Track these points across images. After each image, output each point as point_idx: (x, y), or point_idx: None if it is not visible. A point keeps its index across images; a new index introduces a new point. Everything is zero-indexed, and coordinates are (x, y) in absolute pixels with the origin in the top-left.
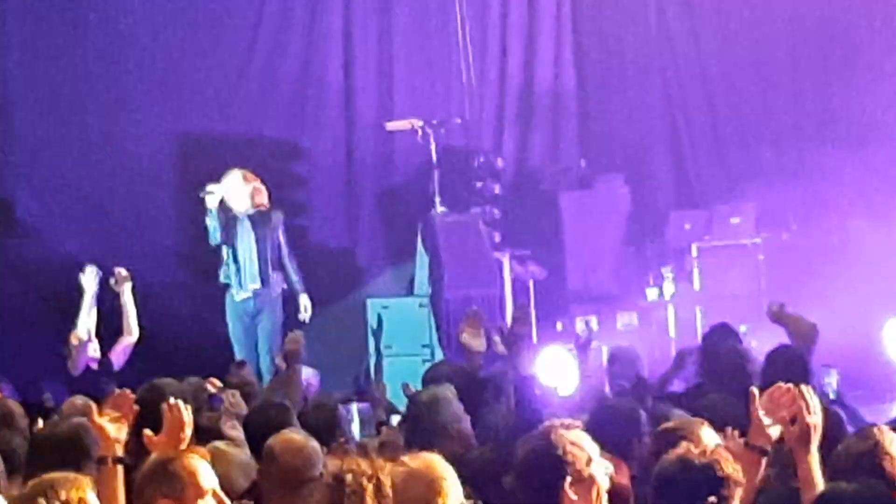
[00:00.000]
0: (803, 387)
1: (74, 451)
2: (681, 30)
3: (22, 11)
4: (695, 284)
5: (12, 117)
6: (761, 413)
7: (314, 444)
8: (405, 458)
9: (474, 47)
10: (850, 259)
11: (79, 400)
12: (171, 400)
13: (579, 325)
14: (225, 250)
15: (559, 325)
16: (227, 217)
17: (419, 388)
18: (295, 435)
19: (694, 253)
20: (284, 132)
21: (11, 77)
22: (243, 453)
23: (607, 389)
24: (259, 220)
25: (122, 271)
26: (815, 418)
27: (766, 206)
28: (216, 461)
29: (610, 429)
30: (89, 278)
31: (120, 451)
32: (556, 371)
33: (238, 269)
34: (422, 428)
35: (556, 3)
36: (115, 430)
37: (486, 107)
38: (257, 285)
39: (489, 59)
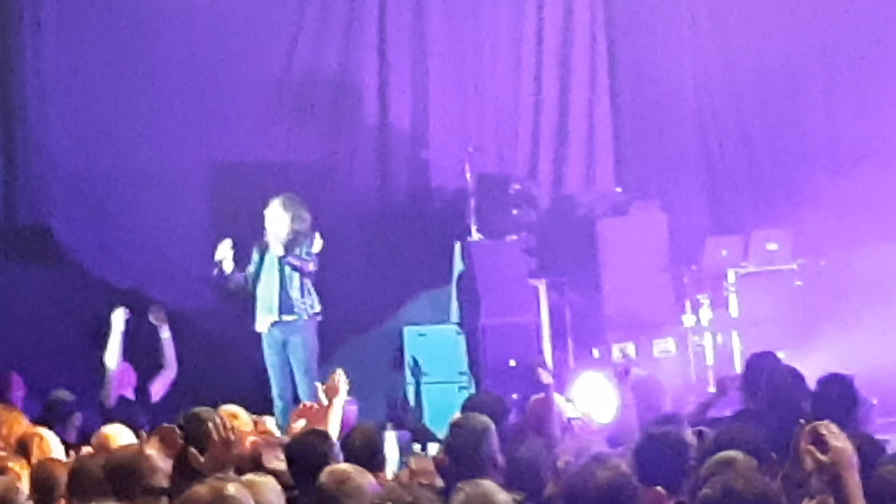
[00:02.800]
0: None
1: (124, 481)
2: (715, 56)
3: (56, 40)
4: (732, 311)
5: (48, 145)
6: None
7: (367, 476)
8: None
9: (509, 74)
10: (887, 284)
11: (111, 429)
12: (217, 420)
13: (616, 352)
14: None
15: (596, 353)
16: (262, 251)
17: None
18: (347, 467)
19: (731, 279)
20: (319, 159)
21: (47, 105)
22: (275, 485)
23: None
24: (289, 247)
25: (160, 312)
26: (842, 443)
27: (803, 232)
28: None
29: (657, 459)
30: (118, 319)
31: (166, 482)
32: (592, 398)
33: (258, 302)
34: (466, 457)
35: (590, 31)
36: (163, 461)
37: (521, 134)
38: (275, 317)
39: (524, 86)
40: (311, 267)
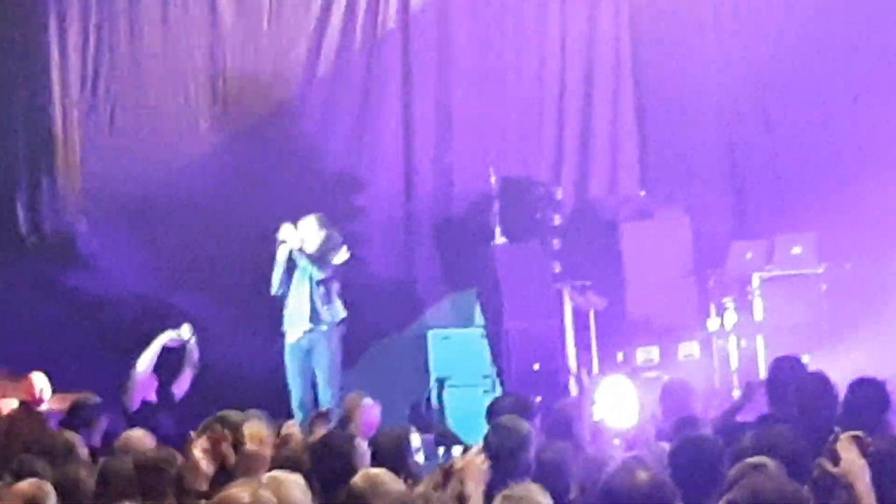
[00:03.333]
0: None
1: (156, 483)
2: (739, 59)
3: (81, 48)
4: (756, 315)
5: (75, 151)
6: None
7: (398, 481)
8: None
9: (533, 78)
10: None
11: (136, 433)
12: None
13: (640, 356)
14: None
15: (620, 356)
16: (290, 263)
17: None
18: (379, 472)
19: (755, 283)
20: (344, 165)
21: (72, 113)
22: (300, 480)
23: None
24: (317, 259)
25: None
26: (852, 455)
27: (828, 236)
28: (274, 490)
29: (694, 463)
30: (171, 334)
31: (206, 486)
32: (615, 402)
33: (288, 312)
34: (507, 460)
35: (614, 35)
36: (207, 465)
37: (545, 137)
38: (306, 326)
39: (548, 89)
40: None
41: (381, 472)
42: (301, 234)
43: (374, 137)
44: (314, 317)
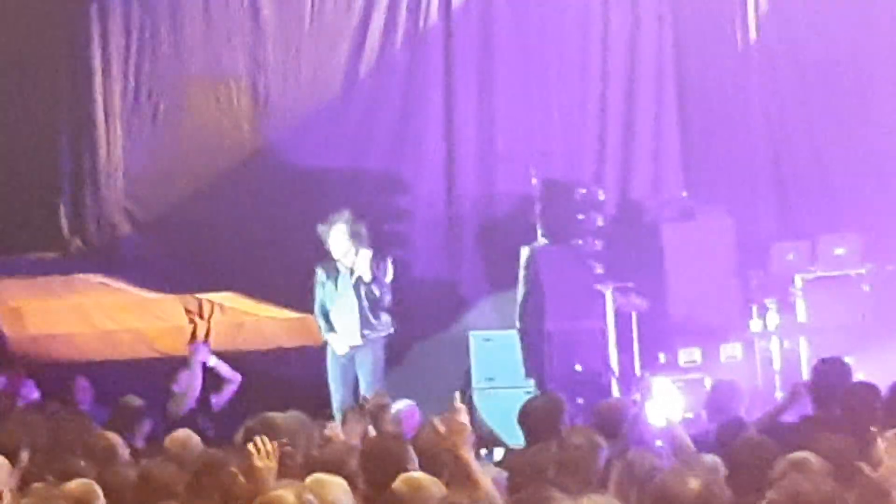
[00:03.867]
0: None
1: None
2: (782, 59)
3: (124, 55)
4: (799, 316)
5: (118, 151)
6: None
7: (440, 485)
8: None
9: (575, 78)
10: None
11: (182, 434)
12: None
13: (682, 357)
14: (321, 308)
15: (662, 357)
16: (329, 272)
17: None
18: (421, 476)
19: (798, 284)
20: (386, 165)
21: (116, 117)
22: (343, 482)
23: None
24: (355, 270)
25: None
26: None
27: (871, 237)
28: (316, 492)
29: (748, 464)
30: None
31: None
32: (660, 403)
33: (336, 328)
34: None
35: (657, 34)
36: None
37: (587, 138)
38: (357, 340)
39: (590, 90)
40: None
41: (422, 476)
42: (334, 249)
43: (416, 139)
44: (363, 331)
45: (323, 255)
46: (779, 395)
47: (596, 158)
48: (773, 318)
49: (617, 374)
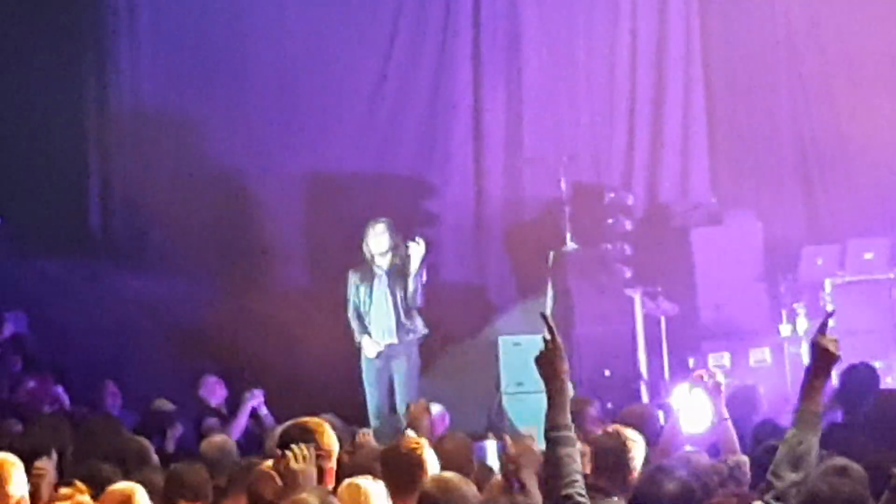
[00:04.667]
0: None
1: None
2: (810, 61)
3: (153, 55)
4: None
5: (146, 156)
6: None
7: (470, 485)
8: None
9: (603, 83)
10: None
11: (218, 439)
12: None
13: (711, 362)
14: (355, 311)
15: (691, 362)
16: (364, 275)
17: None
18: (451, 475)
19: (827, 288)
20: (414, 169)
21: (144, 115)
22: (380, 487)
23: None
24: (395, 272)
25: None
26: None
27: None
28: (353, 496)
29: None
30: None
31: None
32: (689, 408)
33: (371, 330)
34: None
35: (685, 40)
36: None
37: (615, 143)
38: (393, 340)
39: (618, 94)
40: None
41: (452, 476)
42: (374, 250)
43: (444, 142)
44: (400, 333)
45: (355, 258)
46: None
47: (624, 162)
48: (802, 323)
49: (646, 378)
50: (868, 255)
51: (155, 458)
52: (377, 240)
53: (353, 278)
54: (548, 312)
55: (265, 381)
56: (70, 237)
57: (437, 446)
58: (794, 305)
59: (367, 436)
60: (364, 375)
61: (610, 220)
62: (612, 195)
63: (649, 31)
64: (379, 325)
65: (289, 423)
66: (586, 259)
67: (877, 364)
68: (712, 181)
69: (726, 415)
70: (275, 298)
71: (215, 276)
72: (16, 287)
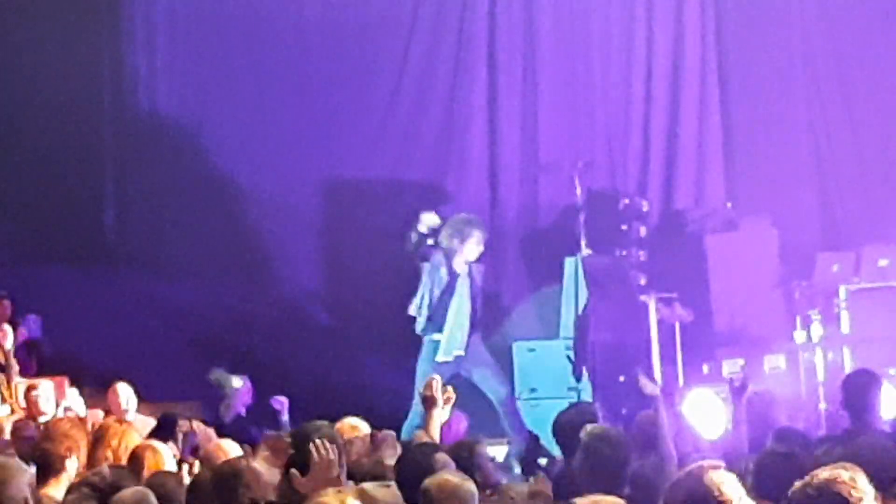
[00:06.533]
0: None
1: (229, 493)
2: (827, 69)
3: (170, 60)
4: (843, 327)
5: (161, 161)
6: None
7: (470, 485)
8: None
9: (619, 89)
10: None
11: (223, 443)
12: (318, 441)
13: (726, 369)
14: (429, 307)
15: (705, 368)
16: (450, 272)
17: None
18: (451, 476)
19: (842, 295)
20: (430, 176)
21: (160, 120)
22: (392, 494)
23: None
24: (472, 277)
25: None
26: None
27: None
28: (364, 502)
29: (775, 476)
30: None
31: (272, 495)
32: (702, 414)
33: (446, 333)
34: (599, 469)
35: (700, 45)
36: (269, 473)
37: (630, 149)
38: (461, 352)
39: (633, 101)
40: None
41: (450, 476)
42: (469, 253)
43: (460, 149)
44: (470, 344)
45: (371, 264)
46: (822, 406)
47: (639, 169)
48: (817, 329)
49: (661, 384)
50: (883, 262)
51: (171, 462)
52: (473, 247)
53: (437, 264)
54: (562, 318)
55: (283, 386)
56: (85, 242)
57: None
58: (809, 312)
59: (387, 437)
60: (419, 367)
61: (625, 227)
62: (627, 201)
63: (665, 38)
64: (456, 328)
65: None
66: (601, 265)
67: (893, 371)
68: (727, 187)
69: (743, 420)
70: (290, 304)
71: (231, 282)
72: (31, 291)
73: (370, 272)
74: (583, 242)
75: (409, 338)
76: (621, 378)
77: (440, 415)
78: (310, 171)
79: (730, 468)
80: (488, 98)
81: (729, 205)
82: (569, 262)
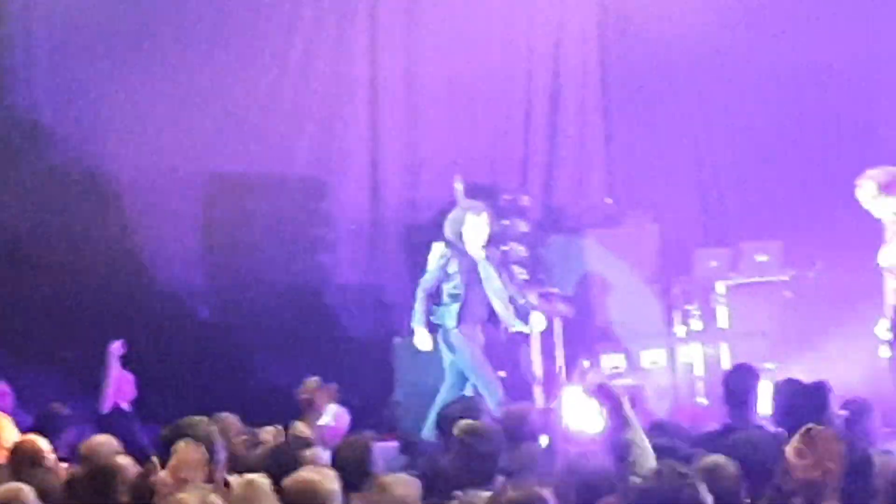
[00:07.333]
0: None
1: (102, 490)
2: (708, 65)
3: (48, 55)
4: (721, 322)
5: (42, 162)
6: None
7: (329, 483)
8: None
9: (500, 85)
10: (877, 296)
11: (99, 439)
12: (183, 442)
13: (604, 363)
14: (452, 292)
15: (586, 364)
16: (462, 257)
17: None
18: (311, 474)
19: (720, 290)
20: (311, 170)
21: (38, 122)
22: (269, 487)
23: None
24: (491, 260)
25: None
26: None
27: (793, 244)
28: (246, 491)
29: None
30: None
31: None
32: (579, 411)
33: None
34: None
35: (581, 41)
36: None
37: (511, 144)
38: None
39: (515, 96)
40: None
41: (310, 473)
42: (480, 233)
43: (341, 144)
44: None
45: (251, 258)
46: (700, 400)
47: (520, 164)
48: (695, 324)
49: (540, 379)
50: (761, 258)
51: (50, 459)
52: (481, 230)
53: (446, 253)
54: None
55: (164, 382)
56: None
57: (336, 451)
58: (688, 307)
59: (268, 434)
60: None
61: (505, 222)
62: (508, 197)
63: (547, 33)
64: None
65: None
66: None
67: (770, 365)
68: (608, 183)
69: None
70: (170, 299)
71: (112, 277)
72: None
73: (251, 267)
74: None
75: (293, 333)
76: (502, 373)
77: (319, 412)
78: (190, 165)
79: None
80: (370, 92)
81: (609, 200)
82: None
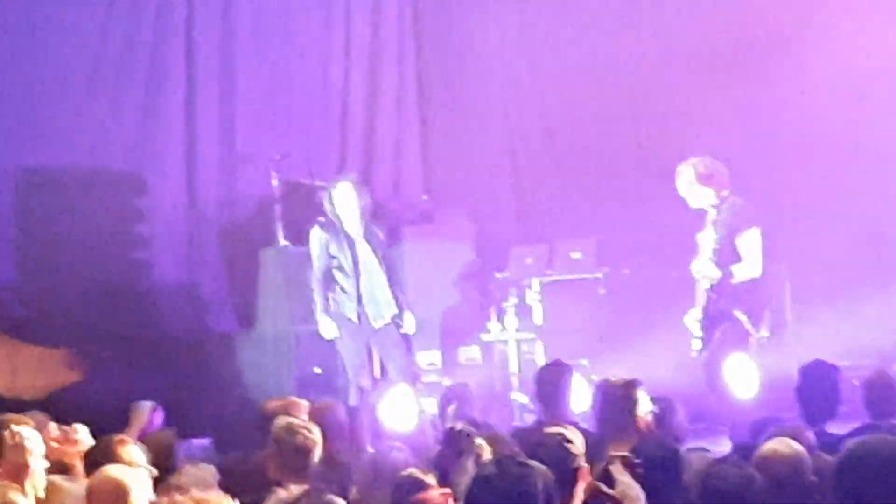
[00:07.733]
0: None
1: None
2: (522, 67)
3: None
4: (536, 319)
5: None
6: None
7: (130, 482)
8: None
9: (316, 81)
10: (689, 293)
11: None
12: (14, 427)
13: (420, 360)
14: (341, 278)
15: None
16: (339, 238)
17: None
18: (113, 472)
19: (535, 287)
20: (127, 166)
21: None
22: (80, 488)
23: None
24: (374, 239)
25: None
26: None
27: (607, 241)
28: (50, 495)
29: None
30: None
31: None
32: (396, 409)
33: (369, 300)
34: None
35: (398, 39)
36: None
37: (328, 140)
38: (396, 310)
39: (331, 93)
40: None
41: (111, 473)
42: (344, 208)
43: (157, 140)
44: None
45: (67, 253)
46: (515, 396)
47: (337, 160)
48: (511, 321)
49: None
50: (575, 255)
51: None
52: (344, 201)
53: (322, 237)
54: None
55: None
56: None
57: (144, 441)
58: (504, 304)
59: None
60: (346, 351)
61: (322, 218)
62: (324, 192)
63: (363, 29)
64: (377, 298)
65: None
66: (297, 256)
67: (583, 362)
68: (424, 180)
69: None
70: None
71: None
72: None
73: (65, 263)
74: (280, 234)
75: (107, 329)
76: (317, 369)
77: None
78: (7, 157)
79: (418, 459)
80: (186, 88)
81: (425, 197)
82: (265, 254)
